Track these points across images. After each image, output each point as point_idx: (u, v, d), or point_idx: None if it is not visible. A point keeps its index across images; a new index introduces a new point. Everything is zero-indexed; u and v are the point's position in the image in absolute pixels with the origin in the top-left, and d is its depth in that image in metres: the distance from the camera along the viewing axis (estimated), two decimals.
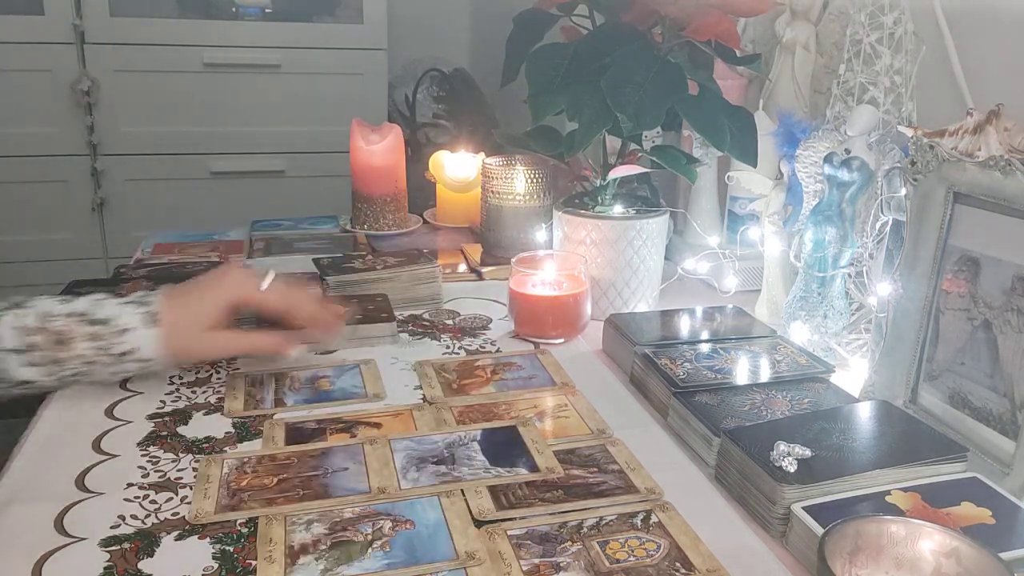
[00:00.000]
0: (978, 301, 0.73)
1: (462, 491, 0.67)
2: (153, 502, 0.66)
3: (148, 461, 0.72)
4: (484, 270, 1.23)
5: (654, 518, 0.64)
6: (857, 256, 0.95)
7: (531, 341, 1.00)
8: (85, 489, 0.68)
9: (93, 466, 0.71)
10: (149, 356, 0.80)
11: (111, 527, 0.63)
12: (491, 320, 1.06)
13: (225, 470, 0.70)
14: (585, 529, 0.63)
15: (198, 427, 0.78)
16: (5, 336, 0.76)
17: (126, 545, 0.61)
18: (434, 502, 0.66)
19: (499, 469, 0.71)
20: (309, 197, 2.20)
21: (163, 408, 0.82)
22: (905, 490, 0.64)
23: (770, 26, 1.26)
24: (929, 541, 0.52)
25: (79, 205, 2.18)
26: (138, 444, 0.75)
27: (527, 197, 1.25)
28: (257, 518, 0.64)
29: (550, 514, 0.65)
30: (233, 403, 0.82)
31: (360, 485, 0.68)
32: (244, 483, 0.68)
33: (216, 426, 0.78)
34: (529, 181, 1.25)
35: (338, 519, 0.64)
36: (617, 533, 0.62)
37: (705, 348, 0.90)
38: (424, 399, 0.84)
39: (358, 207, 1.42)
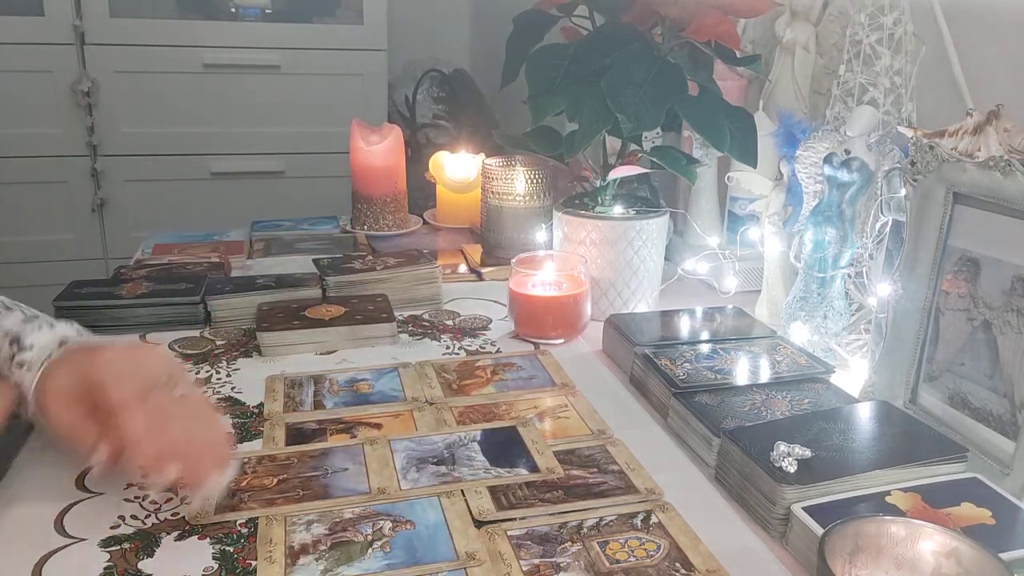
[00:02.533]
0: (978, 301, 0.73)
1: (462, 491, 0.67)
2: (153, 502, 0.66)
3: None
4: (484, 270, 1.23)
5: (654, 518, 0.64)
6: (857, 256, 0.94)
7: (531, 341, 1.00)
8: (85, 489, 0.68)
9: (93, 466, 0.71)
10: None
11: (111, 527, 0.63)
12: (491, 320, 1.06)
13: None
14: (585, 529, 0.63)
15: None
16: None
17: (126, 545, 0.61)
18: (434, 502, 0.66)
19: (499, 469, 0.71)
20: (309, 197, 2.20)
21: None
22: (905, 490, 0.64)
23: (770, 27, 1.26)
24: (929, 541, 0.52)
25: (79, 206, 2.17)
26: None
27: (527, 197, 1.25)
28: (257, 518, 0.64)
29: (550, 514, 0.65)
30: (272, 405, 0.82)
31: (360, 485, 0.68)
32: (244, 483, 0.68)
33: None
34: (529, 182, 1.25)
35: (338, 519, 0.64)
36: (617, 533, 0.62)
37: (705, 348, 0.90)
38: (424, 399, 0.84)
39: (358, 207, 1.42)
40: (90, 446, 0.62)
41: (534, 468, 0.71)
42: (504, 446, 0.75)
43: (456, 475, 0.70)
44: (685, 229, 1.30)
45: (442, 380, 0.88)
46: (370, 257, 1.17)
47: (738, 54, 1.01)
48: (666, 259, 1.12)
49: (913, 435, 0.71)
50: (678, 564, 0.59)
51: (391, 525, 0.63)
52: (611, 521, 0.64)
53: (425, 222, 1.49)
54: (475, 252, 1.31)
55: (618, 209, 1.06)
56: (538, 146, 1.07)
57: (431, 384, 0.87)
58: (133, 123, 2.16)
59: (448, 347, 0.98)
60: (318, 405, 0.83)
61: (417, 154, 2.30)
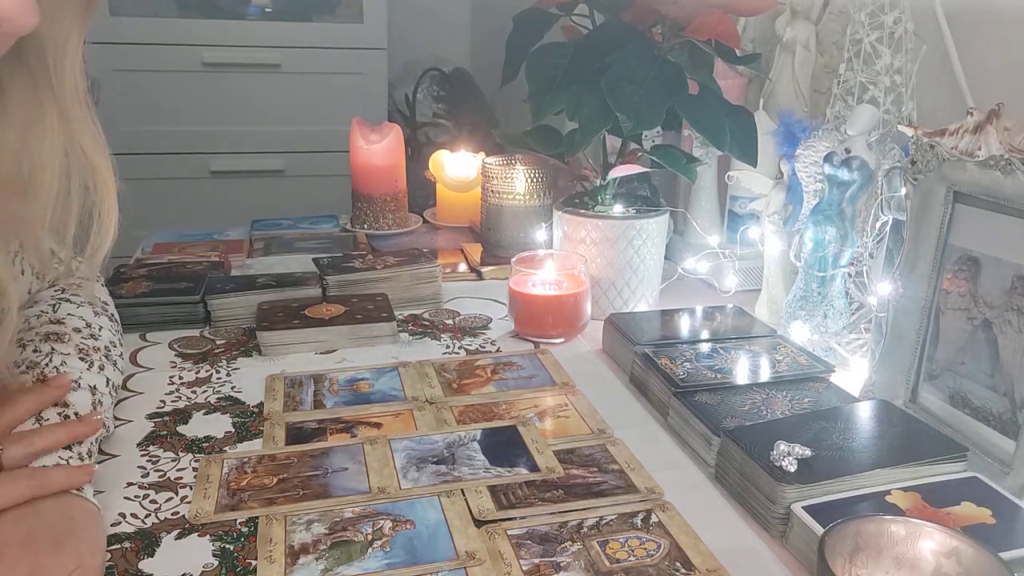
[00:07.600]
0: (978, 301, 0.73)
1: (462, 491, 0.67)
2: (153, 501, 0.66)
3: (148, 461, 0.72)
4: (484, 270, 1.23)
5: (654, 518, 0.64)
6: (857, 256, 0.94)
7: (531, 341, 1.00)
8: None
9: None
10: None
11: (111, 526, 0.63)
12: (491, 320, 1.06)
13: (225, 470, 0.70)
14: (585, 529, 0.63)
15: (198, 426, 0.78)
16: None
17: (126, 544, 0.61)
18: (434, 502, 0.66)
19: (499, 469, 0.71)
20: (309, 196, 2.20)
21: (163, 408, 0.82)
22: (905, 490, 0.64)
23: (770, 25, 1.25)
24: (929, 541, 0.52)
25: None
26: (138, 444, 0.75)
27: (527, 197, 1.25)
28: (257, 518, 0.64)
29: (550, 514, 0.65)
30: (272, 404, 0.82)
31: (360, 485, 0.68)
32: (244, 483, 0.68)
33: (216, 426, 0.78)
34: (529, 181, 1.25)
35: (338, 519, 0.64)
36: (617, 533, 0.62)
37: (705, 348, 0.90)
38: (424, 399, 0.84)
39: (358, 206, 1.42)
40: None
41: (534, 467, 0.71)
42: (504, 445, 0.75)
43: (456, 474, 0.70)
44: (685, 228, 1.30)
45: (442, 379, 0.88)
46: (370, 256, 1.17)
47: (738, 53, 1.01)
48: (666, 258, 1.12)
49: (913, 434, 0.71)
50: (678, 563, 0.59)
51: (391, 524, 0.63)
52: (611, 520, 0.64)
53: (425, 221, 1.49)
54: (475, 251, 1.31)
55: (618, 208, 1.06)
56: (538, 145, 1.07)
57: (431, 383, 0.87)
58: (133, 122, 2.16)
59: (448, 346, 0.98)
60: (318, 404, 0.83)
61: (417, 153, 2.30)
